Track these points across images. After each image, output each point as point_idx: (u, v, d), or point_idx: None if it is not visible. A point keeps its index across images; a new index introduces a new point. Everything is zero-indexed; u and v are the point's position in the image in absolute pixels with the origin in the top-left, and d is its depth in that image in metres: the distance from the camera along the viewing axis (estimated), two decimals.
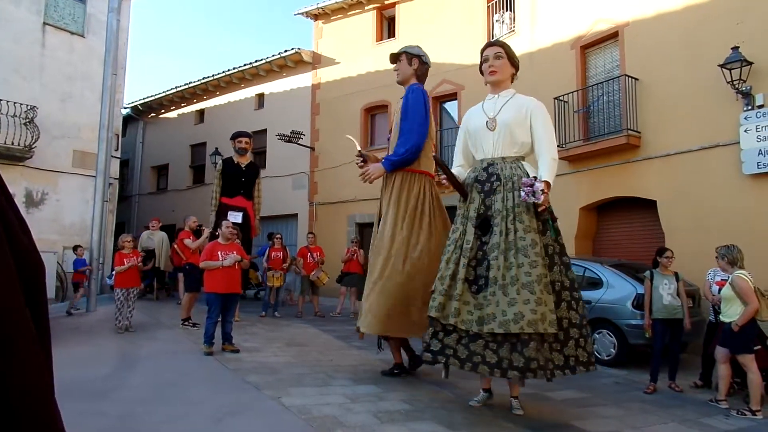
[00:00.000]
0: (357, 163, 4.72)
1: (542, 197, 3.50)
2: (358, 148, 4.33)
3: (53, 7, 11.40)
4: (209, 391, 4.15)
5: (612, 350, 6.44)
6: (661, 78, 8.40)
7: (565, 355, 3.58)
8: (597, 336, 6.64)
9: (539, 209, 3.61)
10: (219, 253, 5.57)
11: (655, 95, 8.45)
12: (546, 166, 3.74)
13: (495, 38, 11.56)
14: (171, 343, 6.14)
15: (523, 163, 3.88)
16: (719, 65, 7.31)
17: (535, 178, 3.66)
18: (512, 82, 4.06)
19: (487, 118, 3.93)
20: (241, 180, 7.29)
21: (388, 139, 5.17)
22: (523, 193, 3.55)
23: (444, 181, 4.08)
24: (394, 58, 4.97)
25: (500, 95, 3.96)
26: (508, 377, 3.55)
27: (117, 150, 12.17)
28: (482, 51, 4.03)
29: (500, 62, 3.91)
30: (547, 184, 3.61)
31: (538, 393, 4.69)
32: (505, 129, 3.83)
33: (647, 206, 8.61)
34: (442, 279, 3.77)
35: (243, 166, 7.35)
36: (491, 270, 3.61)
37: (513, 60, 3.99)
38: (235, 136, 7.42)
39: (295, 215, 14.93)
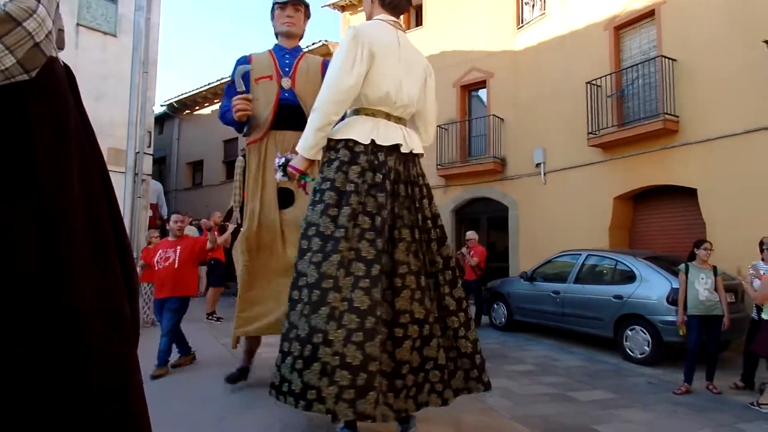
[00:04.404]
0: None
1: (279, 174, 2.50)
2: None
3: (86, 8, 11.69)
4: (219, 388, 4.11)
5: (645, 348, 6.11)
6: (701, 58, 7.87)
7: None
8: (630, 333, 6.31)
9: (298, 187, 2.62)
10: (159, 251, 4.99)
11: (695, 76, 7.93)
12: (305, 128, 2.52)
13: (525, 22, 11.14)
14: (191, 338, 6.19)
15: None
16: (764, 41, 6.77)
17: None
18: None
19: None
20: None
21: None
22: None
23: None
24: (293, 4, 3.68)
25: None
26: None
27: (150, 147, 12.39)
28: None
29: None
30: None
31: (562, 393, 4.47)
32: None
33: (687, 195, 8.13)
34: None
35: None
36: None
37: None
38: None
39: None
